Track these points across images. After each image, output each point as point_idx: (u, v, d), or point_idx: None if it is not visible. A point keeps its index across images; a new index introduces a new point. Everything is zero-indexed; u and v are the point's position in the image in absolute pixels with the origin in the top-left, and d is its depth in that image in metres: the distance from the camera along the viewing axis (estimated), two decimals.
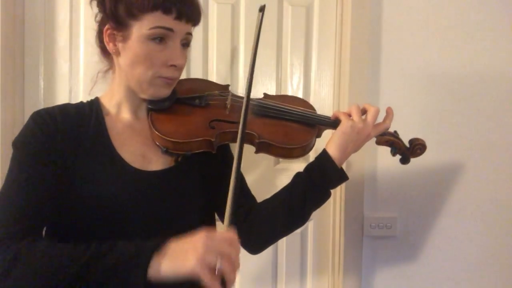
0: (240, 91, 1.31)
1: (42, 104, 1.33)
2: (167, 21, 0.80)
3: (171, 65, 0.83)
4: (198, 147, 0.88)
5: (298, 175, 0.95)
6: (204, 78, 1.36)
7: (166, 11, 0.79)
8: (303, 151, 0.95)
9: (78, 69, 1.34)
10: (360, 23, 1.34)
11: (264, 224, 0.94)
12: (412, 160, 1.02)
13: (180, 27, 0.82)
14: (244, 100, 0.84)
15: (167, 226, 0.84)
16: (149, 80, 0.83)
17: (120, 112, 0.89)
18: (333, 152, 0.92)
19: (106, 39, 0.84)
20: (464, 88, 1.39)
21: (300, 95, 1.41)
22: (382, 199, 1.39)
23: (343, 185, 1.34)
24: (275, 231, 0.96)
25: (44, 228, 0.80)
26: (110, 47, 0.84)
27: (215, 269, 0.64)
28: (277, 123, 0.96)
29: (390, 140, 1.00)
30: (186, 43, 0.86)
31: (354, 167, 1.35)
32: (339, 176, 0.93)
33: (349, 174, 0.94)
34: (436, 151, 1.37)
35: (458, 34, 1.38)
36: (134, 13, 0.79)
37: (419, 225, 1.40)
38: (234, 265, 0.66)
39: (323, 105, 1.42)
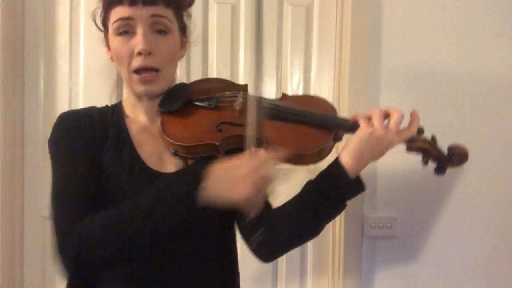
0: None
1: (42, 104, 1.33)
2: (123, 10, 0.81)
3: (137, 54, 0.81)
4: (205, 151, 0.85)
5: (308, 186, 0.88)
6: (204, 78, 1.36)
7: (119, 2, 0.81)
8: (316, 157, 0.86)
9: (78, 69, 1.34)
10: (360, 23, 1.34)
11: (272, 234, 0.89)
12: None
13: (138, 12, 0.80)
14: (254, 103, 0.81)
15: None
16: (127, 77, 0.85)
17: (137, 115, 0.92)
18: (346, 161, 0.83)
19: (105, 48, 0.91)
20: (465, 88, 1.39)
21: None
22: (382, 199, 1.38)
23: None
24: (283, 242, 0.92)
25: None
26: (108, 53, 0.90)
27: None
28: (288, 126, 0.88)
29: (422, 147, 0.89)
30: (159, 29, 0.83)
31: None
32: (353, 188, 0.86)
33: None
34: None
35: (458, 34, 1.38)
36: (106, 16, 0.86)
37: (419, 225, 1.40)
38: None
39: None
